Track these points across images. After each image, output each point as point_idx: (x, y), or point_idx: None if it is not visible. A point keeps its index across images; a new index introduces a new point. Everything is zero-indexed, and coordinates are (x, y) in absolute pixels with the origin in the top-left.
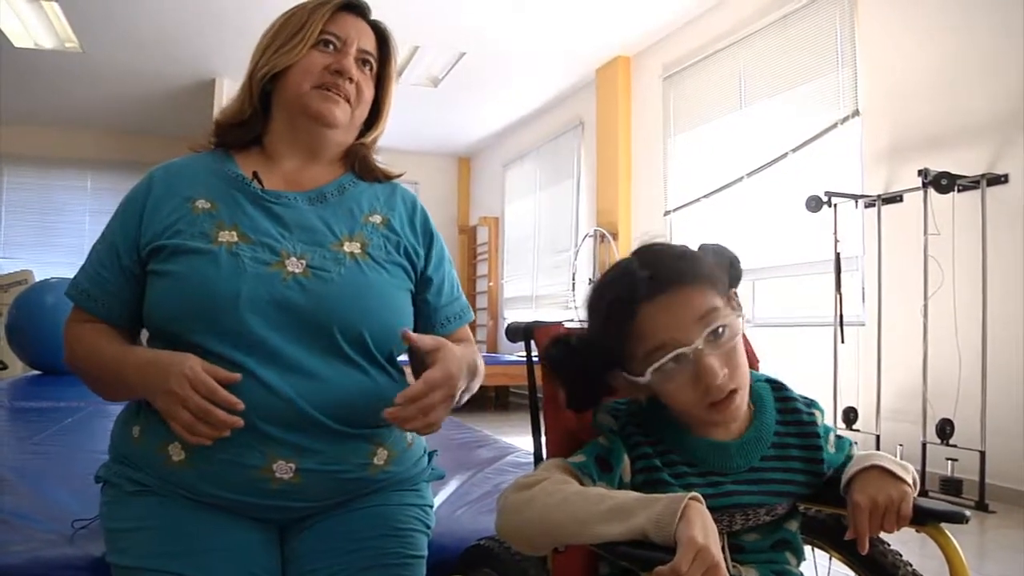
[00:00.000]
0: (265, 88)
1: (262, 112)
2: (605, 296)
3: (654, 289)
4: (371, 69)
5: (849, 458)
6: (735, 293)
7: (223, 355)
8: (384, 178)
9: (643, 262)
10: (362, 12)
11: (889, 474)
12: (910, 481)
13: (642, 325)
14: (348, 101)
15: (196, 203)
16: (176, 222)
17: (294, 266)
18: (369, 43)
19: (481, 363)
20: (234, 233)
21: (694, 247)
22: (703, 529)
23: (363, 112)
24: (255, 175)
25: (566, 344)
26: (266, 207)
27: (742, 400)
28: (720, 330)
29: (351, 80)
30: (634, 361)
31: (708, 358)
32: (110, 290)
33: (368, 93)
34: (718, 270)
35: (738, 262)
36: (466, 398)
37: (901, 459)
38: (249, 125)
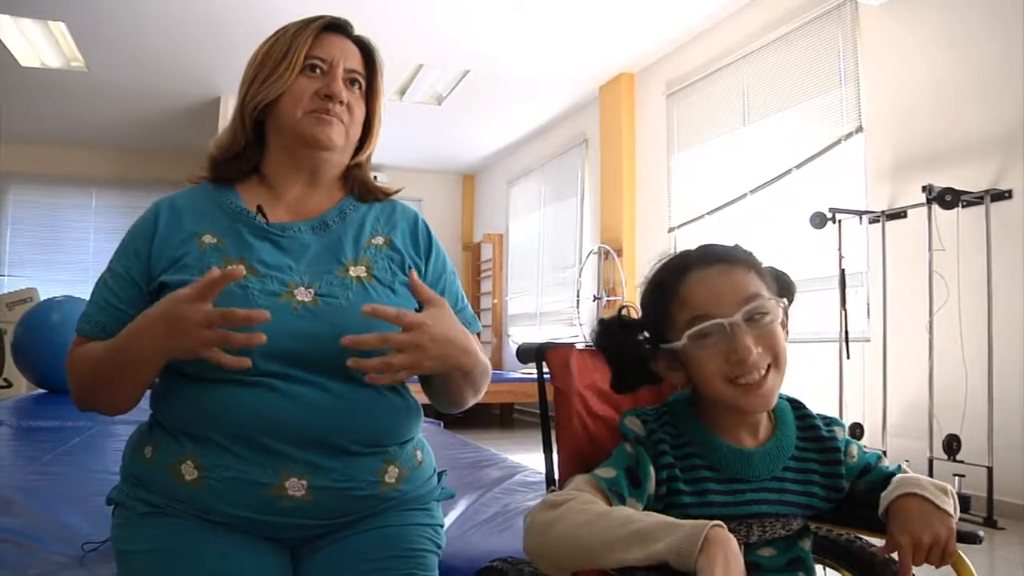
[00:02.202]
0: (257, 118)
1: (256, 142)
2: (660, 267)
3: (705, 261)
4: (360, 87)
5: (870, 468)
6: (786, 307)
7: (235, 379)
8: (383, 196)
9: (698, 247)
10: (345, 31)
11: (932, 506)
12: (951, 510)
13: (687, 292)
14: (342, 122)
15: (202, 238)
16: (183, 257)
17: (303, 295)
18: (355, 61)
19: (488, 363)
20: (242, 267)
21: None
22: (724, 562)
23: (357, 131)
24: (259, 208)
25: (615, 321)
26: (272, 239)
27: (774, 384)
28: (758, 316)
29: (342, 102)
30: (675, 328)
31: (744, 336)
32: (130, 316)
33: (359, 112)
34: (767, 271)
35: (785, 277)
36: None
37: None
38: (246, 157)
